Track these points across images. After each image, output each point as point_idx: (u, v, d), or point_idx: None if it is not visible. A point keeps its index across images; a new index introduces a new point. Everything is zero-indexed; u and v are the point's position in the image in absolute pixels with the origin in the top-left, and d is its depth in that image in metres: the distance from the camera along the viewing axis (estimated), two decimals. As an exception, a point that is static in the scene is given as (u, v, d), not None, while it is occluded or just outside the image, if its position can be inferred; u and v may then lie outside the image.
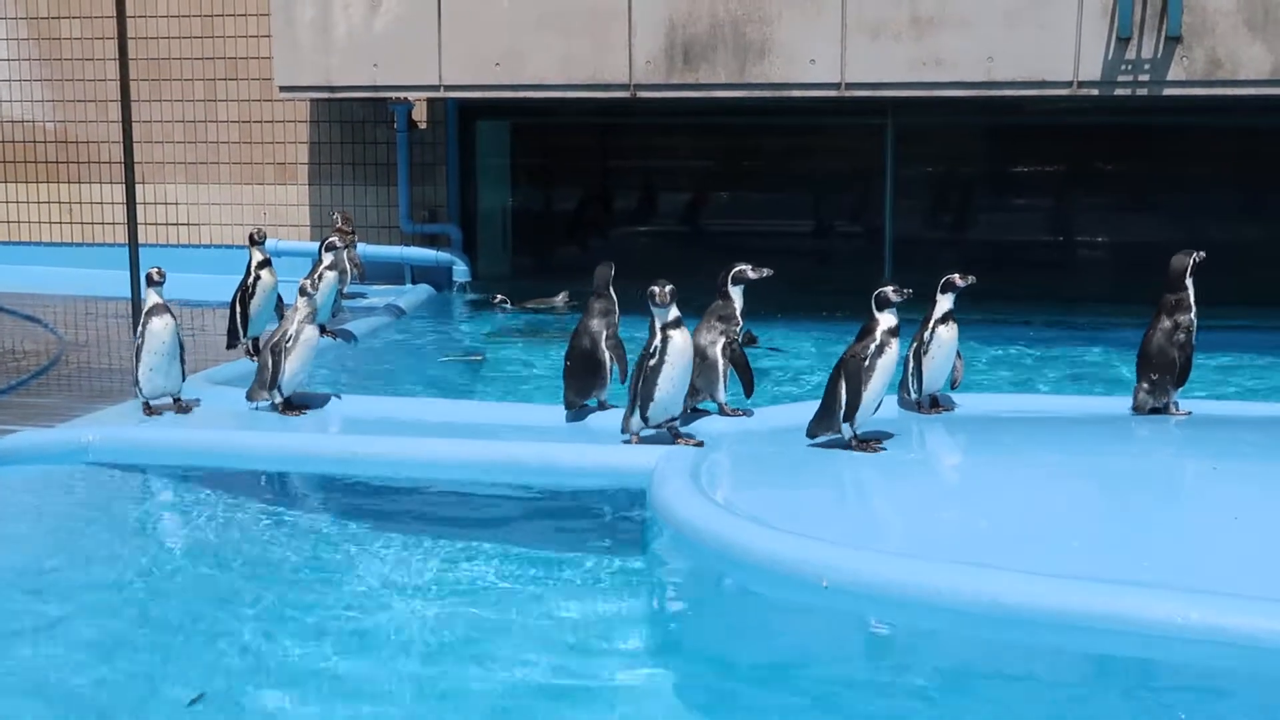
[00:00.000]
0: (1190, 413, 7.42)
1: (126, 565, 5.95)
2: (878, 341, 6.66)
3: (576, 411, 7.54)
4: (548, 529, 6.39)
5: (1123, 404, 7.54)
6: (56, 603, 5.52)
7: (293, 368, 7.66)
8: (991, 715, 4.48)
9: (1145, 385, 7.42)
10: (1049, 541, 5.52)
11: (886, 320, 6.70)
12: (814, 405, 7.44)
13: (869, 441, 6.75)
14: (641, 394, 6.81)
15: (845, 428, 6.68)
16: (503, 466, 6.87)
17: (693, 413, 7.28)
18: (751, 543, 5.52)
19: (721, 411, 7.38)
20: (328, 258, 9.76)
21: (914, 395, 7.57)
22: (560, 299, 12.10)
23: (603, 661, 4.87)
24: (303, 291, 7.78)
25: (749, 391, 7.34)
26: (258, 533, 6.32)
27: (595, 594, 5.47)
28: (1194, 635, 4.62)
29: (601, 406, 7.60)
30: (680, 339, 6.76)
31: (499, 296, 12.22)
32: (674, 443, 6.82)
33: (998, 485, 6.41)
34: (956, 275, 7.47)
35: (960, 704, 4.57)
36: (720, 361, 7.25)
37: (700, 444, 6.83)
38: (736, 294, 7.36)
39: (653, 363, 6.75)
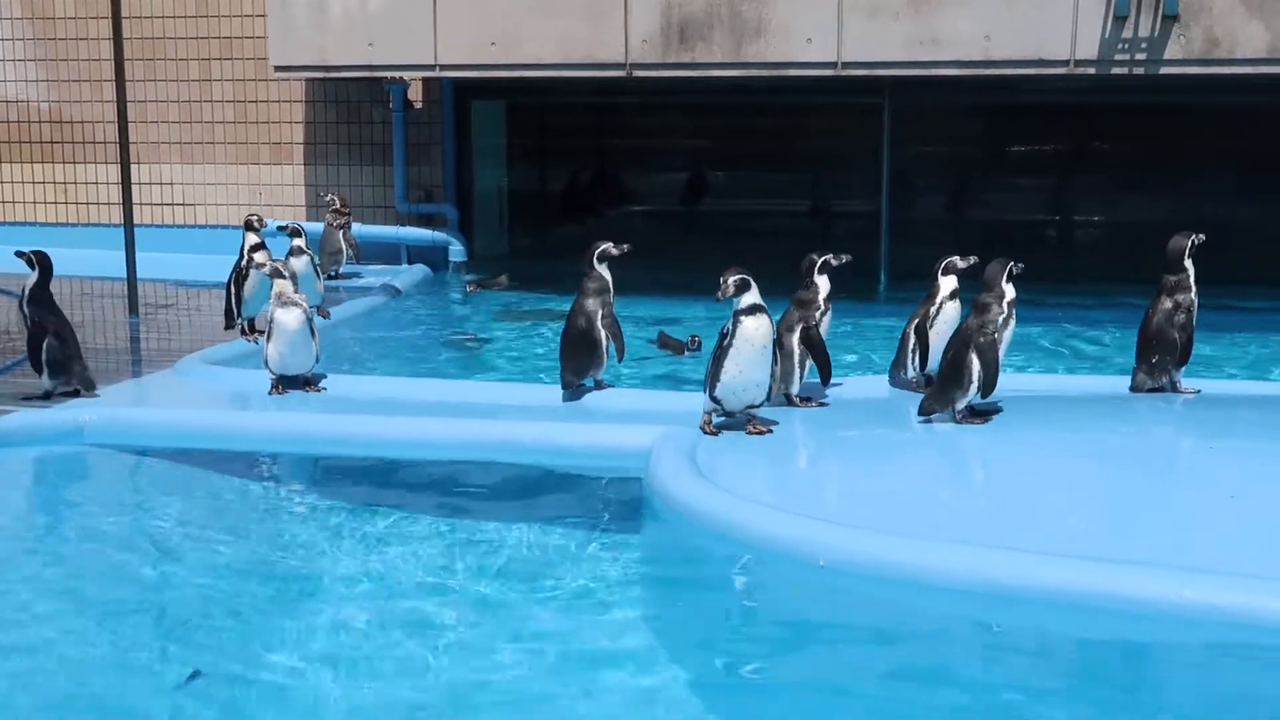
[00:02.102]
0: (1199, 391, 7.43)
1: (122, 545, 5.94)
2: (1005, 314, 6.86)
3: (573, 391, 7.53)
4: (544, 509, 6.38)
5: (1121, 383, 7.54)
6: (52, 582, 5.52)
7: (277, 348, 7.66)
8: (988, 693, 4.48)
9: (1144, 366, 7.45)
10: (1046, 520, 5.53)
11: (1010, 292, 6.91)
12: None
13: (980, 414, 6.89)
14: (710, 375, 6.72)
15: (963, 401, 6.81)
16: (499, 446, 6.86)
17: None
18: (748, 522, 5.53)
19: (790, 402, 7.23)
20: (296, 241, 9.71)
21: (912, 374, 7.58)
22: (503, 279, 12.28)
23: (596, 638, 4.87)
24: (274, 274, 7.79)
25: (825, 377, 7.27)
26: (253, 513, 6.32)
27: (590, 572, 5.47)
28: (1190, 613, 4.64)
29: (598, 386, 7.59)
30: (752, 324, 6.60)
31: (468, 283, 12.28)
32: (745, 430, 6.73)
33: (994, 464, 6.42)
34: (957, 257, 7.51)
35: (956, 682, 4.58)
36: (796, 351, 7.18)
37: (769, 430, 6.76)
38: (823, 282, 7.29)
39: (724, 344, 6.65)
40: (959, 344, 6.85)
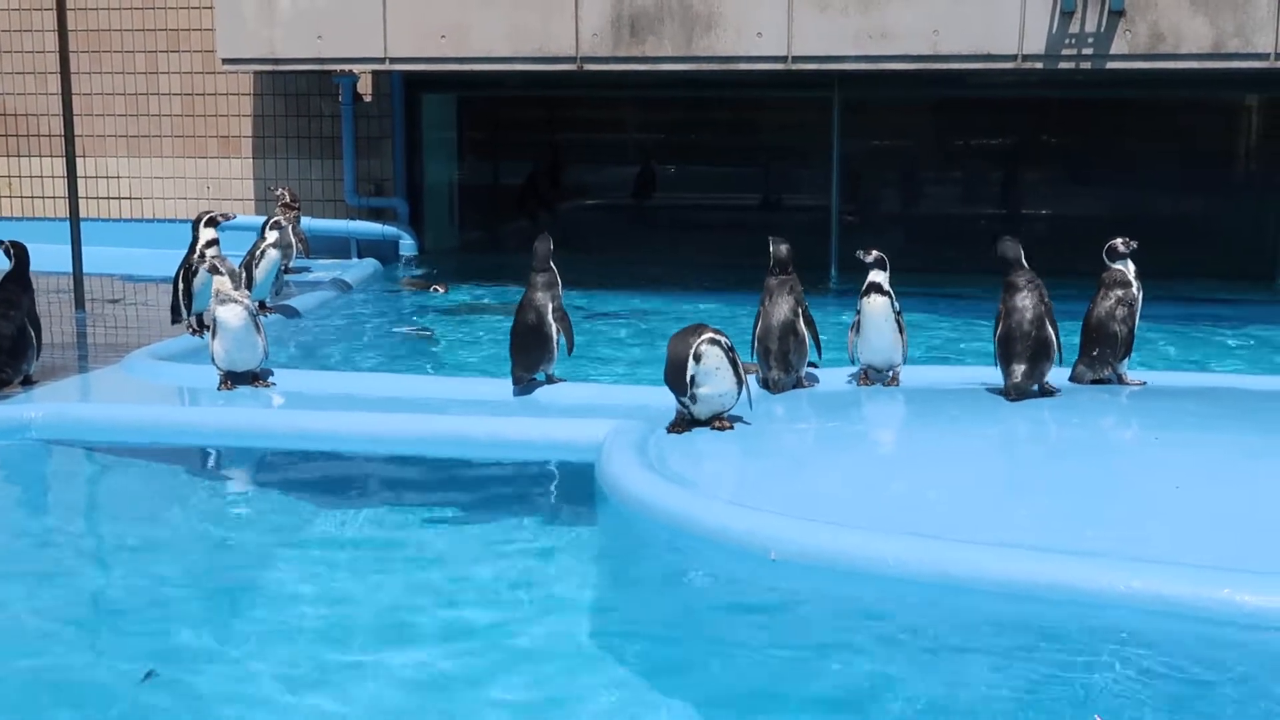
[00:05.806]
0: (1145, 383, 7.54)
1: (70, 542, 5.90)
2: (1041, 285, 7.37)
3: (524, 386, 7.53)
4: (495, 503, 6.38)
5: (1061, 375, 7.60)
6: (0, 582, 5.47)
7: (224, 346, 7.63)
8: (935, 684, 4.51)
9: (1085, 359, 7.56)
10: (994, 512, 5.58)
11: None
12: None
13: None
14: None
15: (1050, 372, 7.30)
16: (450, 441, 6.85)
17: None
18: (699, 515, 5.55)
19: (798, 384, 7.56)
20: (271, 235, 9.68)
21: (857, 368, 7.66)
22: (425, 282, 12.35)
23: (544, 629, 4.87)
24: (211, 270, 7.75)
25: (820, 351, 7.58)
26: (203, 508, 6.28)
27: (541, 566, 5.48)
28: (1137, 603, 4.69)
29: (549, 380, 7.59)
30: (708, 351, 6.53)
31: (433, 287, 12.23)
32: (710, 426, 6.71)
33: (942, 457, 6.46)
34: (860, 251, 7.77)
35: (904, 673, 4.61)
36: (807, 334, 7.48)
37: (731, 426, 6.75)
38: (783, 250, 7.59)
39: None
40: (1037, 324, 7.18)
